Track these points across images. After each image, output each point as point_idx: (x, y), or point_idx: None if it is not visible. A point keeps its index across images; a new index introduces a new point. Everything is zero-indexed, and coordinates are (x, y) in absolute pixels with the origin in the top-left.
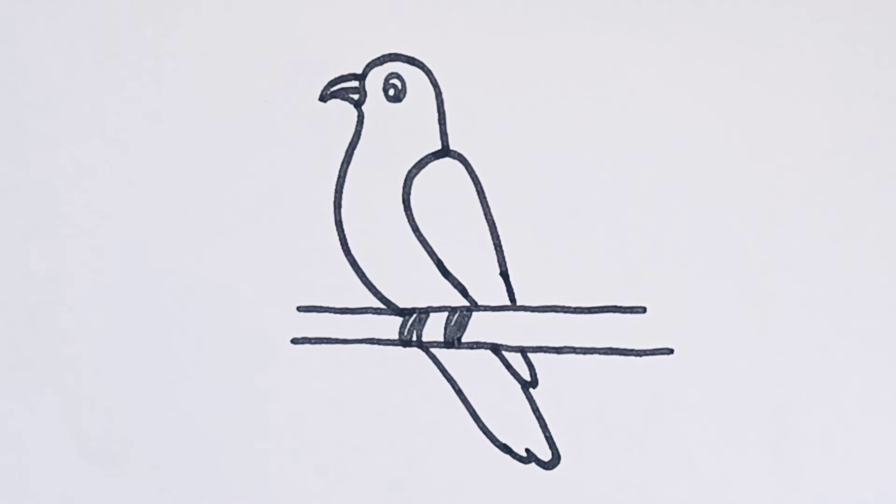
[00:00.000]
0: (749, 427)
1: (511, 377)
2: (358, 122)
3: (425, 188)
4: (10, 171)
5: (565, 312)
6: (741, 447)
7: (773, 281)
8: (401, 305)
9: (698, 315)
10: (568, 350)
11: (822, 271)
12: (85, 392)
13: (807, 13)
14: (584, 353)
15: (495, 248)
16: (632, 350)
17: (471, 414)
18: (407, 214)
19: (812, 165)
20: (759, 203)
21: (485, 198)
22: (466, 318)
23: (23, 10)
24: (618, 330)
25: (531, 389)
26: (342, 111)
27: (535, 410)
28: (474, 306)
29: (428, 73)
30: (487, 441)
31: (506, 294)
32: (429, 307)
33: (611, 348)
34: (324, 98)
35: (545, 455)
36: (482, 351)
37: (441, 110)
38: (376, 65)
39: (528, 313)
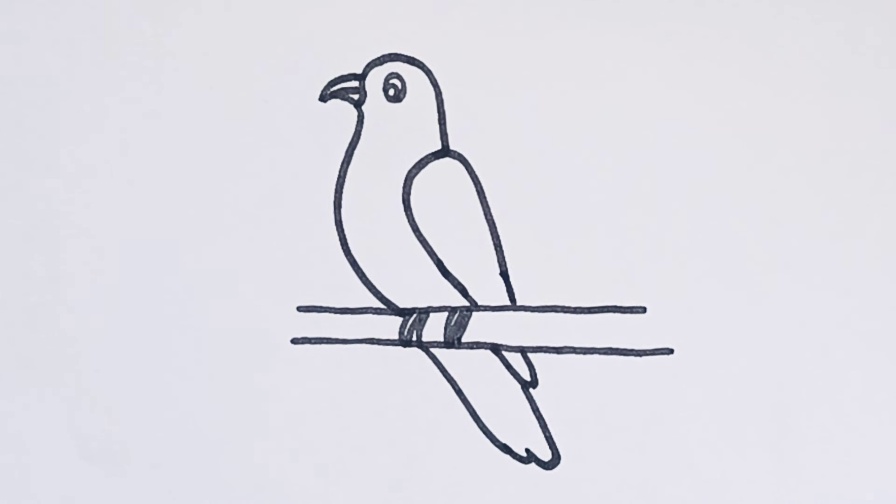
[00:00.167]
0: (749, 427)
1: (511, 377)
2: (358, 122)
3: (425, 188)
4: (10, 171)
5: (565, 312)
6: (741, 447)
7: (773, 281)
8: (401, 305)
9: (698, 315)
10: (568, 350)
11: (822, 271)
12: (85, 392)
13: (807, 13)
14: (584, 353)
15: (495, 248)
16: (632, 350)
17: (471, 414)
18: (407, 214)
19: (812, 165)
20: (759, 203)
21: (485, 198)
22: (466, 318)
23: (23, 10)
24: (618, 330)
25: (531, 389)
26: (342, 111)
27: (535, 410)
28: (474, 306)
29: (428, 73)
30: (487, 441)
31: (506, 294)
32: (429, 307)
33: (611, 348)
34: (324, 98)
35: (545, 455)
36: (482, 351)
37: (441, 110)
38: (376, 65)
39: (528, 313)
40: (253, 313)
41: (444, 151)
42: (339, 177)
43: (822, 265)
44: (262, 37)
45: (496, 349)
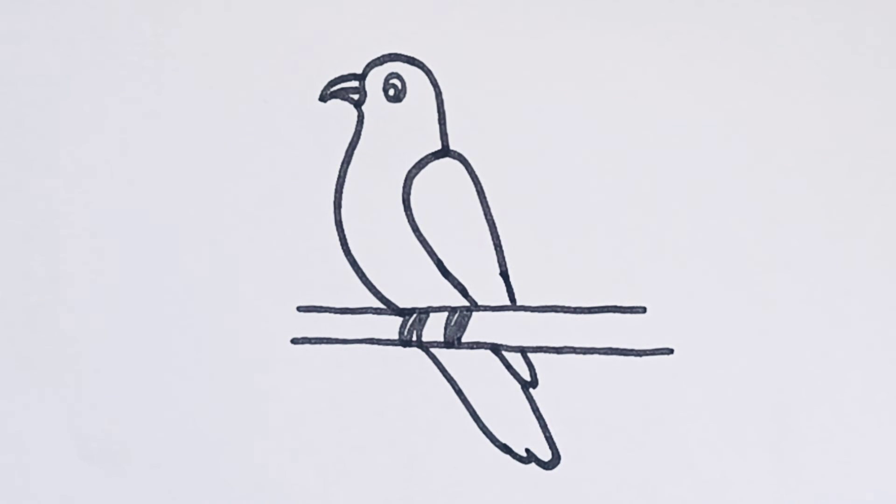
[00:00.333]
0: (749, 427)
1: (511, 377)
2: (358, 122)
3: (425, 188)
4: (10, 171)
5: (565, 312)
6: (741, 447)
7: (773, 281)
8: (401, 305)
9: (698, 315)
10: (568, 350)
11: (822, 271)
12: (85, 392)
13: (807, 13)
14: (584, 353)
15: (495, 248)
16: (632, 350)
17: (471, 414)
18: (407, 214)
19: (812, 165)
20: (759, 203)
21: (485, 198)
22: (466, 318)
23: (23, 10)
24: (618, 330)
25: (531, 389)
26: (342, 111)
27: (535, 410)
28: (474, 306)
29: (428, 73)
30: (487, 441)
31: (506, 294)
32: (429, 307)
33: (611, 348)
34: (324, 98)
35: (545, 455)
36: (482, 351)
37: (441, 110)
38: (376, 65)
39: (528, 313)
40: (253, 313)
41: (444, 151)
42: (339, 177)
43: (822, 265)
44: (262, 37)
45: (496, 349)
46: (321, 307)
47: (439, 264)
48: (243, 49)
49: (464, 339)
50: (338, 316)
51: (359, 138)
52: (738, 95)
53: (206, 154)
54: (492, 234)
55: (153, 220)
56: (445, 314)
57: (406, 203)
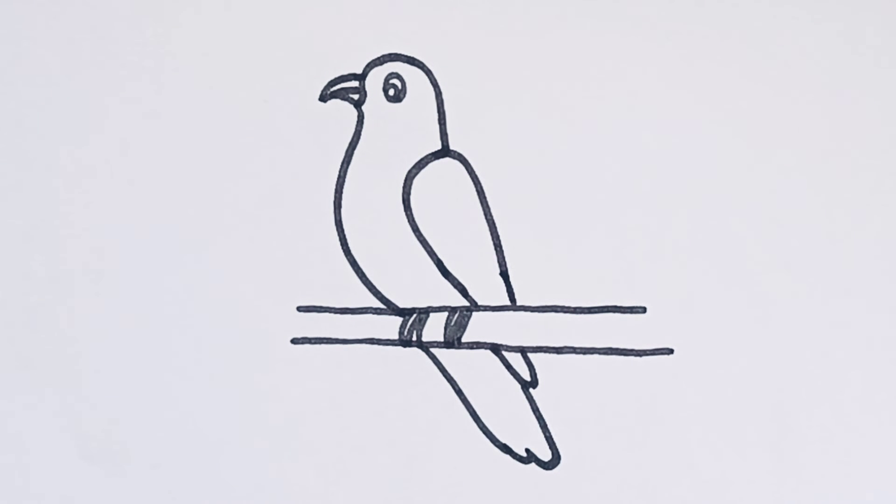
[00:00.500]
0: (749, 427)
1: (511, 377)
2: (358, 122)
3: (425, 188)
4: (10, 171)
5: (565, 312)
6: (741, 447)
7: (773, 281)
8: (401, 305)
9: (698, 315)
10: (568, 350)
11: (822, 271)
12: (85, 392)
13: (807, 13)
14: (584, 353)
15: (495, 248)
16: (632, 350)
17: (471, 414)
18: (407, 214)
19: (812, 165)
20: (759, 203)
21: (485, 198)
22: (466, 318)
23: (23, 10)
24: (618, 330)
25: (531, 389)
26: (342, 111)
27: (535, 410)
28: (474, 306)
29: (428, 73)
30: (487, 441)
31: (506, 294)
32: (429, 307)
33: (611, 348)
34: (324, 98)
35: (545, 455)
36: (482, 351)
37: (441, 110)
38: (376, 65)
39: (528, 313)
40: (253, 313)
41: (444, 151)
42: (339, 177)
43: (822, 265)
44: (262, 37)
45: (496, 349)
46: (321, 307)
47: (439, 264)
48: (243, 49)
49: (464, 339)
50: (338, 316)
51: (359, 138)
52: (738, 95)
53: (206, 154)
54: (492, 234)
55: (153, 220)
56: (445, 314)
57: (406, 203)
